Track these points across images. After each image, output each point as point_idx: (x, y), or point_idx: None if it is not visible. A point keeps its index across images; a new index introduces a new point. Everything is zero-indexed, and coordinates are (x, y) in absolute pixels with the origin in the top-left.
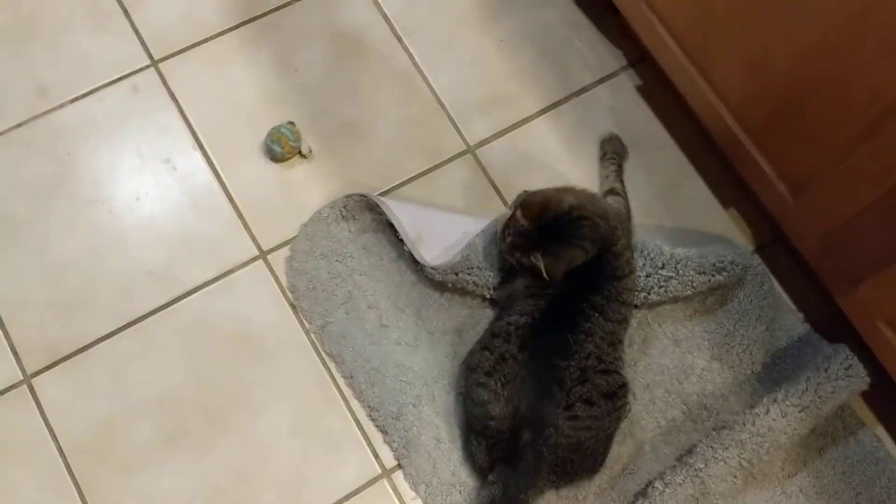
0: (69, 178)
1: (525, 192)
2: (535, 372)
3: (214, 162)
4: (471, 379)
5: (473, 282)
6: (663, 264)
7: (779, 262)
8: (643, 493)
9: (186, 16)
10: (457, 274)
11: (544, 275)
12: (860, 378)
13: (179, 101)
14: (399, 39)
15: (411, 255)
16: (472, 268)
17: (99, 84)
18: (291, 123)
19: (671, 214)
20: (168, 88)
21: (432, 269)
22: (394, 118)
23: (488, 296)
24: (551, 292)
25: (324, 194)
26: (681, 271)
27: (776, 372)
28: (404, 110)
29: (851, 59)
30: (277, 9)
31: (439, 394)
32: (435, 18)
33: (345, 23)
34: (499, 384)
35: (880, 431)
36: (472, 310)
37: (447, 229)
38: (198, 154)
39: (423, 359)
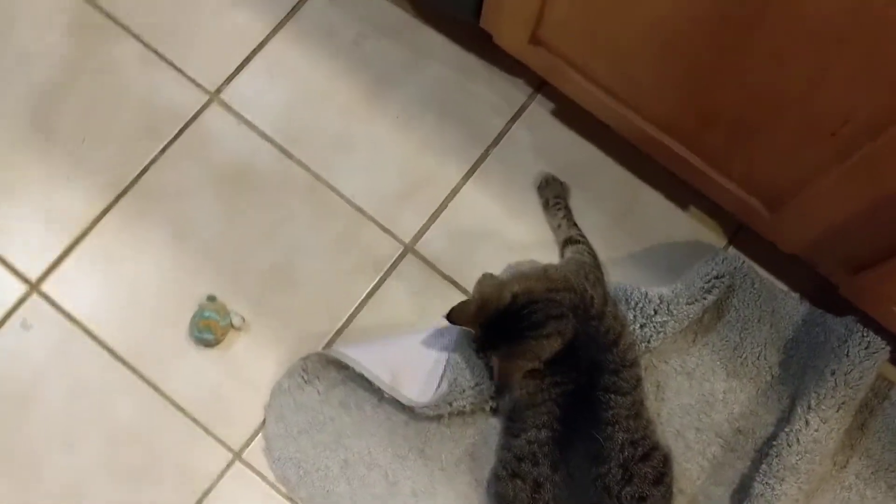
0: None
1: (483, 275)
2: (577, 487)
3: (146, 376)
4: None
5: (470, 404)
6: (655, 310)
7: (755, 245)
8: None
9: (48, 222)
10: (451, 403)
11: (494, 381)
12: (882, 350)
13: (81, 322)
14: (289, 155)
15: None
16: (464, 390)
17: None
18: (212, 299)
19: (635, 237)
20: (62, 310)
21: (424, 407)
22: (316, 245)
23: (490, 408)
24: (558, 391)
25: (275, 361)
26: (674, 311)
27: (794, 366)
28: (324, 232)
29: (815, 89)
30: (143, 171)
31: None
32: (317, 121)
33: (224, 158)
34: None
35: None
36: (476, 427)
37: (420, 357)
38: (126, 372)
39: (444, 499)
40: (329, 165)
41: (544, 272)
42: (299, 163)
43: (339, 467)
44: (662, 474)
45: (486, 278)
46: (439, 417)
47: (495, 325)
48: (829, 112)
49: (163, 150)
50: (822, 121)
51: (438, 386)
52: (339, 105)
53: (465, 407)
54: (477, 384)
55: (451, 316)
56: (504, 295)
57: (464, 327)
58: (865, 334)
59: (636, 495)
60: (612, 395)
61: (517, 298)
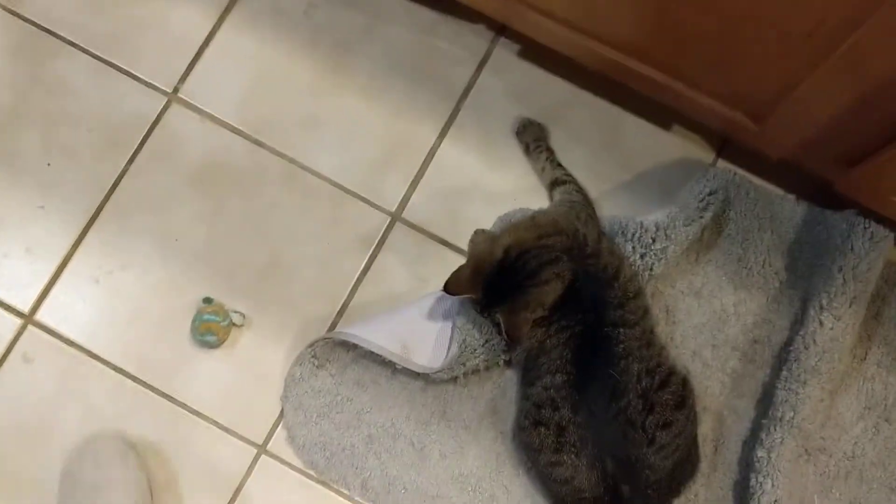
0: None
1: (474, 233)
2: (600, 425)
3: (157, 388)
4: (541, 461)
5: (483, 361)
6: (653, 238)
7: (745, 153)
8: (749, 465)
9: (30, 252)
10: (464, 364)
11: (503, 337)
12: (885, 238)
13: (82, 345)
14: (260, 144)
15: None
16: (475, 349)
17: None
18: (208, 301)
19: (623, 166)
20: (61, 337)
21: (438, 372)
22: (304, 230)
23: (503, 362)
24: (566, 335)
25: (283, 352)
26: (672, 235)
27: (801, 267)
28: (309, 216)
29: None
30: (115, 184)
31: (510, 482)
32: (283, 104)
33: (195, 157)
34: (572, 455)
35: None
36: (493, 382)
37: (426, 323)
38: (137, 388)
39: (474, 457)
40: (302, 147)
41: (532, 220)
42: (272, 150)
43: (364, 444)
44: (683, 398)
45: (477, 235)
46: (455, 379)
47: (493, 282)
48: (802, 16)
49: (131, 160)
50: (796, 26)
51: (449, 349)
52: (301, 83)
53: (478, 365)
54: (487, 341)
55: (448, 287)
56: (495, 251)
57: (464, 295)
58: (867, 225)
59: (660, 423)
60: (621, 329)
61: (509, 251)
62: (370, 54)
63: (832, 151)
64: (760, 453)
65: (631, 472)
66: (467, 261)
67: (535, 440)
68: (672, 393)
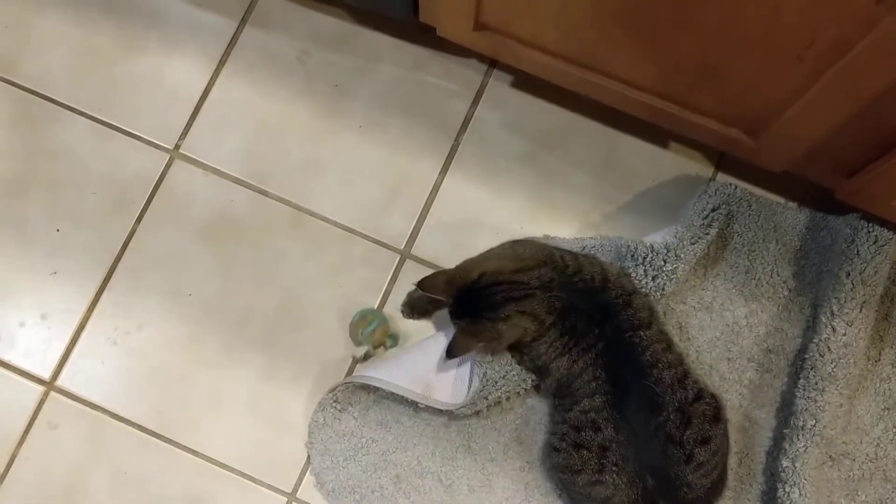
0: None
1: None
2: (641, 441)
3: (183, 444)
4: (579, 481)
5: (505, 392)
6: (664, 260)
7: (743, 165)
8: (775, 475)
9: (46, 318)
10: (486, 397)
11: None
12: (890, 241)
13: (104, 407)
14: (264, 193)
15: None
16: (496, 381)
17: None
18: (372, 317)
19: (623, 188)
20: (83, 401)
21: (461, 408)
22: (315, 275)
23: (527, 388)
24: (591, 355)
25: (304, 398)
26: (681, 255)
27: (808, 274)
28: (319, 260)
29: (773, 20)
30: (125, 245)
31: None
32: (283, 152)
33: (201, 211)
34: (614, 474)
35: None
36: (515, 412)
37: (444, 360)
38: (163, 445)
39: (502, 489)
40: (306, 193)
41: (515, 252)
42: (277, 198)
43: (392, 484)
44: (718, 409)
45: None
46: (478, 412)
47: (461, 299)
48: (792, 39)
49: (139, 219)
50: (786, 49)
51: (470, 384)
52: (300, 129)
53: (500, 397)
54: (507, 373)
55: (423, 283)
56: (473, 272)
57: (433, 295)
58: (871, 229)
59: (699, 437)
60: (641, 332)
61: (483, 278)
62: (366, 95)
63: (830, 162)
64: (785, 463)
65: (669, 489)
66: (453, 268)
67: (575, 462)
68: (707, 405)
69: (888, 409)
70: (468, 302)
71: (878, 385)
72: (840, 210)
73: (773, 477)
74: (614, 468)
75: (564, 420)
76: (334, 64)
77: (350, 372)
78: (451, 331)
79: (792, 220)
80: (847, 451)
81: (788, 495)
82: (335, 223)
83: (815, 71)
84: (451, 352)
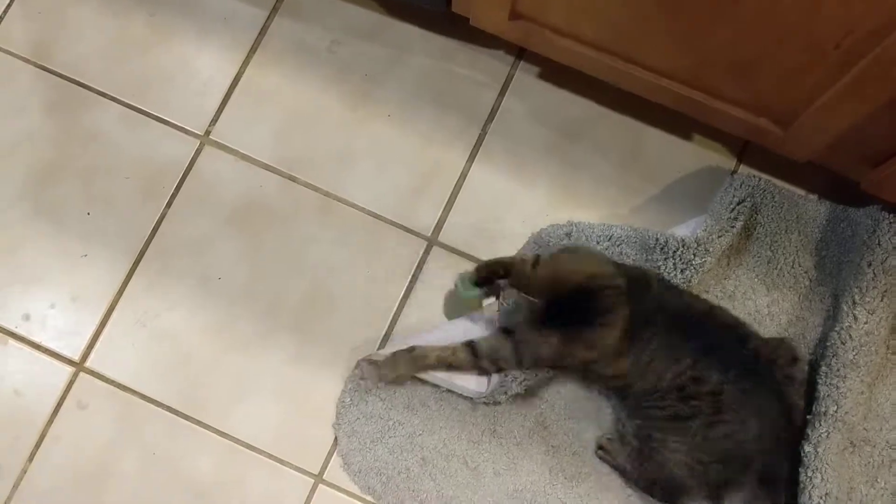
0: None
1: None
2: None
3: (213, 426)
4: (693, 425)
5: (525, 387)
6: (694, 254)
7: (765, 156)
8: (797, 461)
9: (76, 301)
10: (506, 392)
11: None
12: None
13: (134, 388)
14: (293, 180)
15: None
16: (517, 376)
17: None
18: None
19: (648, 179)
20: (113, 382)
21: (481, 398)
22: (343, 261)
23: (550, 379)
24: (654, 341)
25: (332, 382)
26: (709, 248)
27: (829, 265)
28: (347, 246)
29: (813, 9)
30: (155, 230)
31: (565, 494)
32: (313, 138)
33: (231, 197)
34: (732, 412)
35: None
36: (541, 397)
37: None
38: (192, 427)
39: (527, 472)
40: (336, 180)
41: (602, 256)
42: (306, 184)
43: (418, 466)
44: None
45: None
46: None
47: (561, 303)
48: (830, 29)
49: (169, 204)
50: (824, 38)
51: (490, 377)
52: (330, 117)
53: (521, 391)
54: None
55: (514, 281)
56: (575, 275)
57: (528, 295)
58: (893, 220)
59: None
60: (714, 309)
61: (593, 279)
62: (395, 85)
63: (857, 152)
64: (808, 448)
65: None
66: (540, 267)
67: (684, 411)
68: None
69: None
70: (570, 306)
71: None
72: (859, 202)
73: (795, 462)
74: (733, 404)
75: (656, 391)
76: (364, 54)
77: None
78: (475, 315)
79: (813, 212)
80: (868, 437)
81: (811, 480)
82: (363, 210)
83: (849, 60)
84: (550, 365)
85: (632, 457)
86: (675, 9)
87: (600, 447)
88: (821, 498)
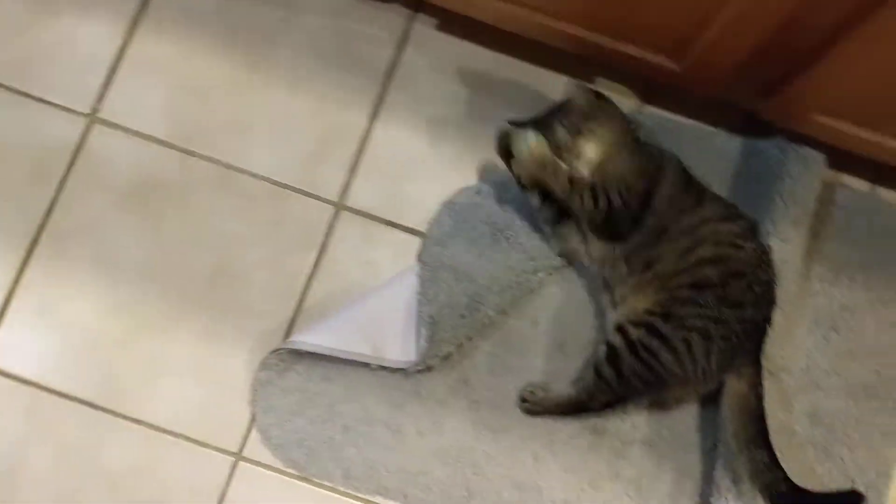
0: None
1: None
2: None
3: (124, 413)
4: (704, 297)
5: (456, 347)
6: None
7: (669, 97)
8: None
9: None
10: (437, 355)
11: None
12: (817, 161)
13: (39, 383)
14: (189, 153)
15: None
16: (446, 337)
17: None
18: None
19: None
20: (17, 378)
21: (413, 367)
22: (248, 233)
23: (477, 333)
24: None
25: (246, 358)
26: None
27: (742, 198)
28: (251, 218)
29: None
30: (47, 216)
31: (489, 447)
32: (207, 108)
33: (124, 176)
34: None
35: (847, 180)
36: (463, 354)
37: (390, 314)
38: (103, 416)
39: (451, 430)
40: (233, 150)
41: None
42: (203, 157)
43: (341, 434)
44: None
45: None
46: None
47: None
48: None
49: (60, 188)
50: None
51: (418, 342)
52: (223, 84)
53: (451, 352)
54: (455, 325)
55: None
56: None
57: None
58: (800, 150)
59: None
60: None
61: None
62: (289, 46)
63: (754, 83)
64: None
65: None
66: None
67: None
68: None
69: (817, 322)
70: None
71: (807, 300)
72: (766, 135)
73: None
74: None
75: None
76: (254, 15)
77: (292, 327)
78: (393, 279)
79: (721, 147)
80: (784, 365)
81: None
82: (266, 179)
83: None
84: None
85: (598, 366)
86: None
87: (523, 399)
88: None
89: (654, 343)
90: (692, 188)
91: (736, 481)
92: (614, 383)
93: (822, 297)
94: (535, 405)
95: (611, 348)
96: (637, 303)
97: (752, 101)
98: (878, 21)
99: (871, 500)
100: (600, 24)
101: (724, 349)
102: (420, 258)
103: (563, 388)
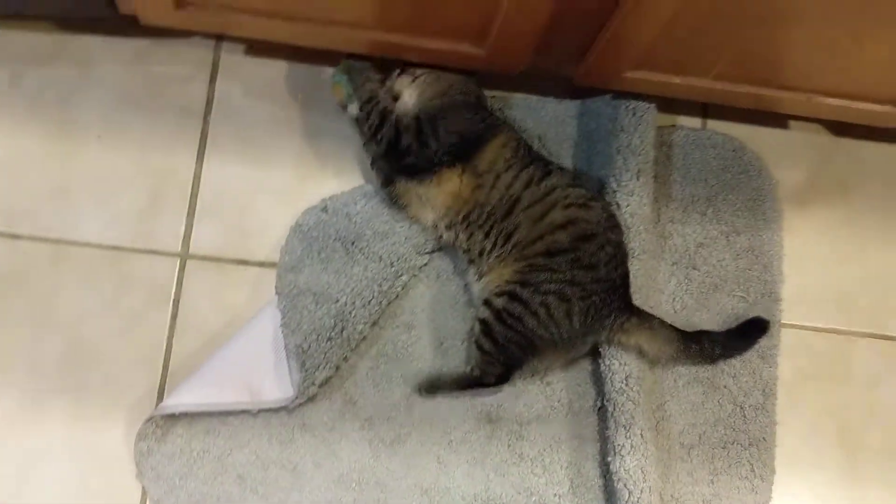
0: None
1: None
2: None
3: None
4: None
5: (332, 369)
6: None
7: (494, 78)
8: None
9: None
10: (314, 383)
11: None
12: (648, 110)
13: None
14: (15, 237)
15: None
16: (319, 365)
17: None
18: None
19: None
20: None
21: (295, 401)
22: (95, 304)
23: (352, 350)
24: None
25: (122, 432)
26: None
27: (584, 159)
28: (94, 289)
29: None
30: None
31: (390, 461)
32: (23, 185)
33: None
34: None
35: (682, 120)
36: (342, 377)
37: (261, 356)
38: None
39: (348, 454)
40: (61, 223)
41: None
42: (30, 237)
43: (237, 486)
44: None
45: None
46: (313, 398)
47: None
48: None
49: None
50: None
51: (291, 372)
52: (34, 156)
53: (329, 376)
54: (326, 352)
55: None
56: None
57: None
58: (629, 103)
59: None
60: None
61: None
62: (94, 102)
63: (561, 51)
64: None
65: None
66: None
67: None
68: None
69: (675, 263)
70: None
71: (664, 245)
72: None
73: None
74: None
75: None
76: (50, 78)
77: (163, 390)
78: (256, 321)
79: (555, 113)
80: (654, 313)
81: (609, 368)
82: (101, 245)
83: None
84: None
85: (477, 341)
86: None
87: (423, 390)
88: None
89: (518, 308)
90: (539, 160)
91: (628, 434)
92: (495, 354)
93: (677, 238)
94: (433, 384)
95: (482, 322)
96: (500, 276)
97: (566, 70)
98: None
99: (761, 420)
100: (394, 24)
101: (585, 309)
102: (276, 289)
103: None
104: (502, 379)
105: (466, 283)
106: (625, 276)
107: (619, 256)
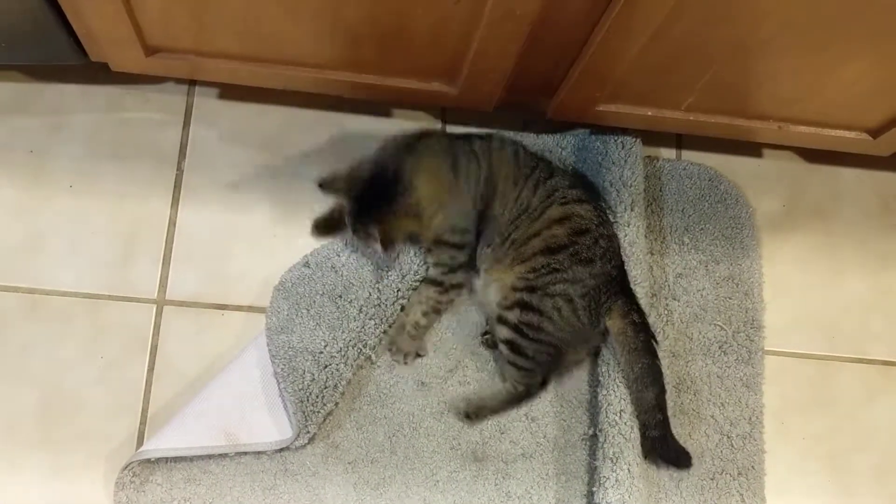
0: None
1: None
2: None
3: None
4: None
5: (335, 404)
6: None
7: (467, 114)
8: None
9: None
10: (316, 422)
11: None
12: (634, 143)
13: None
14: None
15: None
16: (316, 406)
17: None
18: None
19: None
20: None
21: (296, 441)
22: (72, 354)
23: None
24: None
25: (101, 485)
26: None
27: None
28: (71, 338)
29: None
30: None
31: (376, 502)
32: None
33: None
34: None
35: (657, 151)
36: (326, 420)
37: (249, 397)
38: None
39: (332, 498)
40: (35, 273)
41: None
42: (3, 287)
43: None
44: None
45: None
46: (312, 438)
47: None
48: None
49: None
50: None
51: (289, 417)
52: (6, 206)
53: (332, 410)
54: (324, 385)
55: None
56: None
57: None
58: (616, 137)
59: None
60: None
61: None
62: (67, 151)
63: (534, 87)
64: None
65: None
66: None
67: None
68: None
69: (655, 294)
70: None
71: (644, 273)
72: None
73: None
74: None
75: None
76: (22, 130)
77: (140, 438)
78: (236, 365)
79: (533, 148)
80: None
81: (606, 398)
82: (76, 294)
83: (475, 9)
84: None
85: (511, 361)
86: (291, 4)
87: (466, 415)
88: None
89: (534, 318)
90: (541, 162)
91: (614, 468)
92: (530, 366)
93: (656, 270)
94: (479, 410)
95: (508, 343)
96: (504, 283)
97: (540, 104)
98: (619, 14)
99: (749, 449)
100: (364, 65)
101: (587, 305)
102: (270, 353)
103: (495, 387)
104: (545, 384)
105: (471, 291)
106: (620, 267)
107: (612, 249)
